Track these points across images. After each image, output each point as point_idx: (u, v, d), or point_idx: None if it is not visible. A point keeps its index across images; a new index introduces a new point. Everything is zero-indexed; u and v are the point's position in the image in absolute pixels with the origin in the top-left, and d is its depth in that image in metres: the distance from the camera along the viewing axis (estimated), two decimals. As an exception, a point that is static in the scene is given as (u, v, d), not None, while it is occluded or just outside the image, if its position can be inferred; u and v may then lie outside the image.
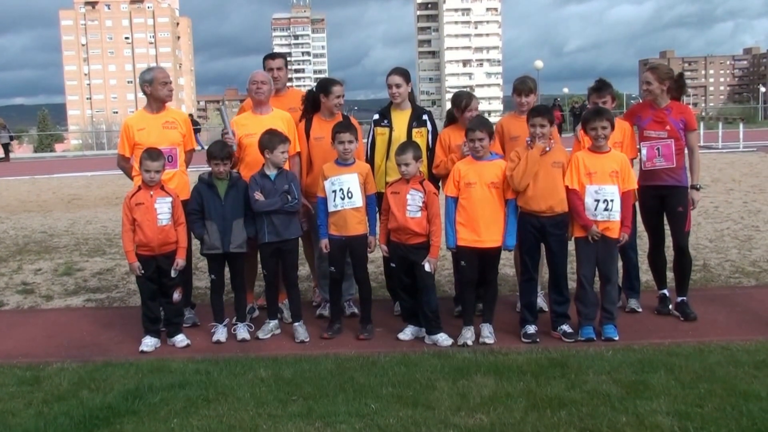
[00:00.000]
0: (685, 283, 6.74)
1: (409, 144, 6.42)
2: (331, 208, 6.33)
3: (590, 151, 6.14)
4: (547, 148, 6.07)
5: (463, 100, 6.64)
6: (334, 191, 6.28)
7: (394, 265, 6.31)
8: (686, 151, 6.66)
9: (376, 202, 6.48)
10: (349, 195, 6.25)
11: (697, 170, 6.73)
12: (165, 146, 6.56)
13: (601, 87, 6.83)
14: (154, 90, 6.71)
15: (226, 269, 6.55)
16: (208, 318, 6.62)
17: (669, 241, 6.90)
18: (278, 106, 7.03)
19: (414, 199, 6.13)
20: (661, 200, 6.64)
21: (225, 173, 6.37)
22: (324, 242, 6.42)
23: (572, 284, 6.44)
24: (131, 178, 6.78)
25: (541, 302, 6.88)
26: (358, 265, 6.46)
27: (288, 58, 7.65)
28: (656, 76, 6.56)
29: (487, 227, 6.04)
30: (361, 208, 6.32)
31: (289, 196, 6.28)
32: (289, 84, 7.53)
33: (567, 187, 6.08)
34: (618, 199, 6.01)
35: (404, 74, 6.90)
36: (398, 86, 6.83)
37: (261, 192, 6.24)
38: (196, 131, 41.78)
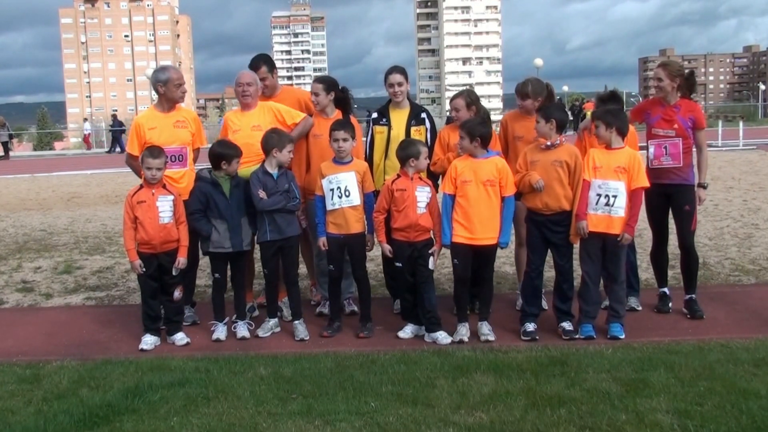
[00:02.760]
0: (693, 282, 6.73)
1: (413, 140, 6.47)
2: (329, 207, 6.33)
3: (604, 148, 6.16)
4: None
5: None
6: (332, 189, 6.28)
7: (400, 264, 6.27)
8: (694, 149, 6.65)
9: (374, 201, 6.46)
10: (347, 193, 6.25)
11: (704, 168, 6.70)
12: (176, 145, 6.58)
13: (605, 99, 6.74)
14: (168, 91, 6.67)
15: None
16: (208, 316, 6.61)
17: (671, 239, 6.91)
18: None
19: (423, 195, 6.15)
20: (667, 198, 6.63)
21: (233, 172, 6.39)
22: (322, 240, 6.42)
23: (577, 281, 6.44)
24: (140, 176, 6.77)
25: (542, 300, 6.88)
26: (356, 264, 6.46)
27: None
28: (667, 72, 6.53)
29: (481, 225, 6.04)
30: (358, 206, 6.31)
31: (289, 195, 6.30)
32: (288, 82, 7.48)
33: (584, 180, 6.11)
34: (622, 196, 6.00)
35: (404, 72, 6.93)
36: (400, 84, 6.85)
37: (264, 190, 6.25)
38: (122, 132, 41.69)
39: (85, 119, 53.67)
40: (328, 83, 6.88)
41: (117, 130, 41.02)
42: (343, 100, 6.95)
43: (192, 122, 6.86)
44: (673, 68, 6.62)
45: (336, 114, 6.89)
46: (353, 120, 6.85)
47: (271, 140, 6.32)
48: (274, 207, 6.25)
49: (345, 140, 6.27)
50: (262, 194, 6.22)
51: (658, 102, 6.68)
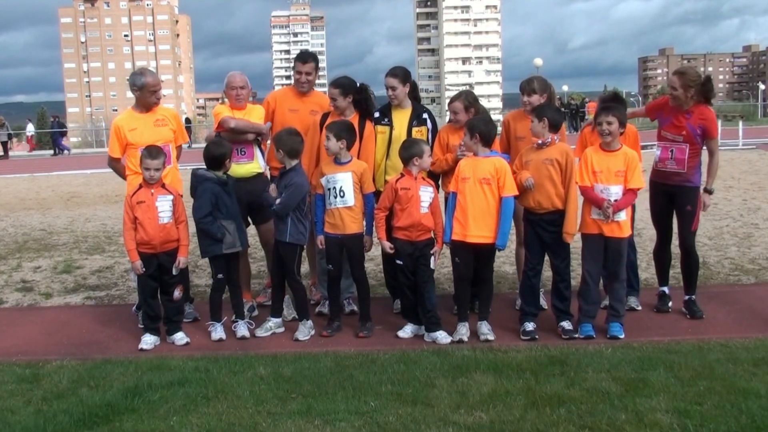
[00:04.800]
0: (692, 282, 6.72)
1: (416, 139, 6.50)
2: (327, 206, 6.36)
3: (600, 149, 6.14)
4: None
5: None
6: (329, 189, 6.30)
7: (401, 262, 6.27)
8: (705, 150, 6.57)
9: (374, 202, 6.43)
10: (341, 194, 6.25)
11: (713, 174, 6.65)
12: (159, 144, 6.57)
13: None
14: (143, 96, 6.71)
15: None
16: (206, 316, 6.60)
17: (673, 239, 6.91)
18: (300, 106, 7.13)
19: (426, 195, 6.17)
20: (671, 198, 6.62)
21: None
22: (320, 239, 6.45)
23: (577, 280, 6.45)
24: (124, 178, 6.82)
25: (541, 299, 6.88)
26: (355, 264, 6.45)
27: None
28: (682, 81, 6.38)
29: (475, 222, 6.04)
30: (353, 207, 6.29)
31: (277, 200, 6.26)
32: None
33: (579, 184, 6.10)
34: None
35: (400, 75, 6.80)
36: (393, 89, 6.79)
37: (275, 187, 6.39)
38: (62, 134, 41.06)
39: (29, 120, 48.78)
40: (343, 86, 6.77)
41: (56, 132, 40.62)
42: (359, 101, 6.83)
43: (172, 119, 6.91)
44: (689, 77, 6.40)
45: (354, 116, 6.81)
46: (368, 122, 6.81)
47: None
48: (264, 201, 6.39)
49: (328, 139, 6.30)
50: (271, 189, 6.40)
51: (672, 106, 6.60)
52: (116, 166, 6.86)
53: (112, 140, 6.81)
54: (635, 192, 6.09)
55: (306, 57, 7.19)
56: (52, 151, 39.94)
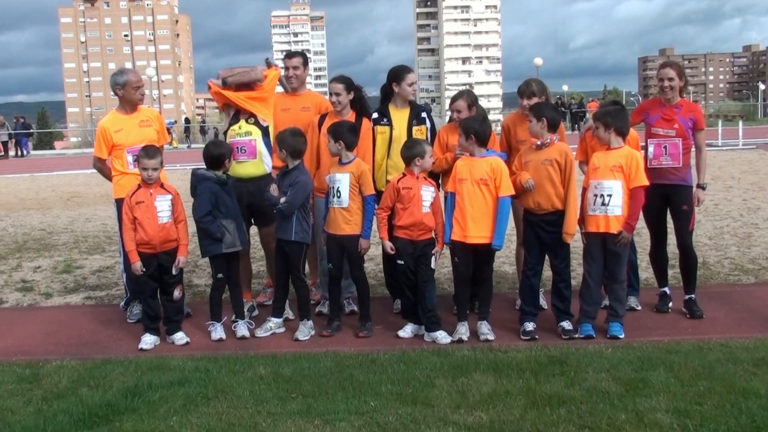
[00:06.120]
0: (692, 282, 6.72)
1: (419, 139, 6.51)
2: (328, 205, 6.39)
3: (605, 149, 6.18)
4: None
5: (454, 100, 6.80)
6: (331, 188, 6.33)
7: (402, 262, 6.26)
8: (693, 149, 6.64)
9: (374, 204, 6.39)
10: (338, 194, 6.26)
11: (704, 169, 6.71)
12: (145, 144, 6.58)
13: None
14: (127, 93, 6.77)
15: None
16: (206, 316, 6.59)
17: (671, 239, 6.91)
18: (292, 105, 7.19)
19: (428, 194, 6.18)
20: (665, 198, 6.62)
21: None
22: (323, 236, 6.49)
23: (578, 281, 6.44)
24: (109, 179, 6.88)
25: (541, 299, 6.88)
26: (353, 265, 6.45)
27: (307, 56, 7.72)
28: (677, 71, 6.55)
29: (474, 222, 6.04)
30: (348, 208, 6.28)
31: (282, 198, 6.26)
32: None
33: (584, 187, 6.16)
34: (618, 195, 5.99)
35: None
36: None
37: (277, 186, 6.35)
38: (29, 135, 40.38)
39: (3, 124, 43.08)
40: (347, 83, 6.84)
41: (21, 134, 40.20)
42: (354, 101, 6.87)
43: (155, 120, 7.00)
44: (681, 67, 6.69)
45: (350, 115, 6.84)
46: (365, 121, 6.81)
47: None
48: (266, 202, 6.36)
49: (329, 141, 6.35)
50: (272, 188, 6.33)
51: (658, 102, 6.68)
52: (101, 167, 6.96)
53: (98, 142, 6.89)
54: (641, 190, 6.07)
55: (291, 54, 7.42)
56: (14, 152, 39.02)
